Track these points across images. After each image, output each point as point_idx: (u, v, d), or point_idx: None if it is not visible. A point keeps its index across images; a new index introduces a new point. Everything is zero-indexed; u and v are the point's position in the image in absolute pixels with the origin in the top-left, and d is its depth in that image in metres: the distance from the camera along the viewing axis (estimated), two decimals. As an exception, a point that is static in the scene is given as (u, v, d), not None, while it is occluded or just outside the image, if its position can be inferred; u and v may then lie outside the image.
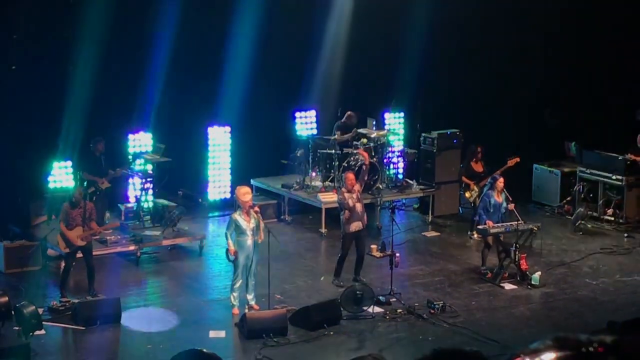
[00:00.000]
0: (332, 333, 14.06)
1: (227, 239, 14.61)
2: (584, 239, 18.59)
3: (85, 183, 17.17)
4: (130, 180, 18.51)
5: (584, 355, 2.67)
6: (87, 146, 17.77)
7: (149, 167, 18.44)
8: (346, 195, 15.84)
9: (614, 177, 19.40)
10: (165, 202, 18.51)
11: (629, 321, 13.21)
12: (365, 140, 19.14)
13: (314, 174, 19.55)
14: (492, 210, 16.27)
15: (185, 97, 19.15)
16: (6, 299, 13.86)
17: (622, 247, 18.09)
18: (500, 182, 16.39)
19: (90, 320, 14.15)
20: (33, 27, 17.72)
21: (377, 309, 14.81)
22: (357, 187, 16.02)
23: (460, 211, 20.15)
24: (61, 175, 17.80)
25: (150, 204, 18.34)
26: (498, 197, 16.35)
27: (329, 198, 18.58)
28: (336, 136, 19.29)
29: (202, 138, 19.67)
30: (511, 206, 16.34)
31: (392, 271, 15.50)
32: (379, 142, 19.59)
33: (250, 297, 14.74)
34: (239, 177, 19.13)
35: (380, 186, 19.36)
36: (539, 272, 16.21)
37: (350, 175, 16.22)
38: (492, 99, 21.34)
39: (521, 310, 15.11)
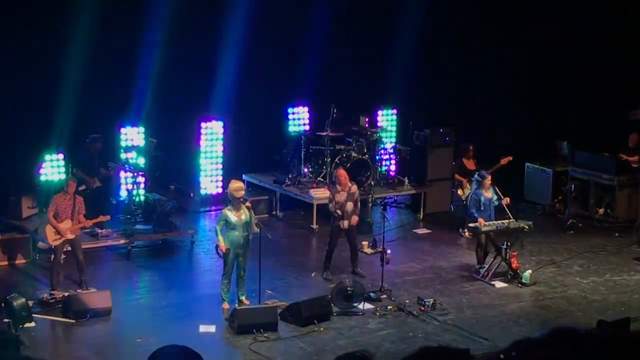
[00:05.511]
0: (322, 329, 14.06)
1: (217, 234, 14.63)
2: (575, 238, 18.63)
3: (77, 180, 17.13)
4: (122, 174, 18.48)
5: (581, 349, 2.68)
6: (81, 141, 17.76)
7: (141, 161, 18.41)
8: (337, 193, 15.92)
9: (605, 177, 19.44)
10: (156, 196, 18.49)
11: (619, 320, 13.30)
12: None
13: (306, 170, 19.57)
14: (482, 208, 16.33)
15: (178, 92, 19.12)
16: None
17: (613, 247, 18.13)
18: (488, 180, 16.46)
19: (80, 313, 14.14)
20: (24, 19, 17.67)
21: (368, 306, 14.82)
22: (354, 187, 16.10)
23: (452, 209, 20.18)
24: (52, 168, 17.75)
25: (142, 198, 18.32)
26: (487, 193, 16.42)
27: (320, 194, 18.60)
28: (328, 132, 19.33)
29: (194, 133, 19.65)
30: (506, 200, 16.38)
31: (383, 268, 15.53)
32: (371, 139, 19.62)
33: (240, 292, 14.75)
34: (231, 172, 19.11)
35: (372, 183, 19.37)
36: (530, 271, 16.25)
37: (341, 172, 16.28)
38: (484, 97, 21.35)
39: (511, 309, 15.13)
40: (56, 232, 15.06)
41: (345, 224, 15.88)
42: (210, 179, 19.86)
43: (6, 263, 16.39)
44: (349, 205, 15.89)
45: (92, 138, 17.70)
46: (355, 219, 16.04)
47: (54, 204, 15.18)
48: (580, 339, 2.69)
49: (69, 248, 15.28)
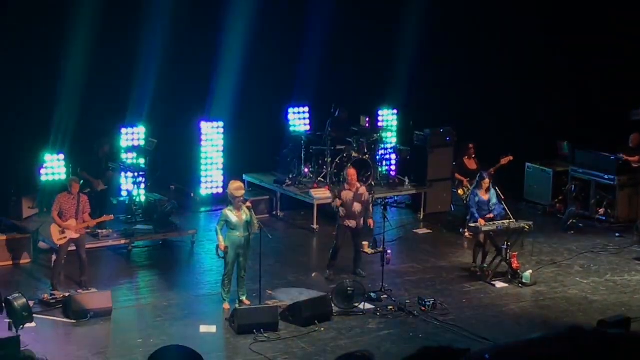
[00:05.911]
0: (322, 329, 14.06)
1: (217, 234, 14.63)
2: (575, 238, 18.63)
3: (81, 181, 17.13)
4: (123, 175, 18.48)
5: (581, 349, 2.68)
6: (82, 141, 17.75)
7: (142, 161, 18.42)
8: (344, 191, 15.94)
9: (606, 177, 19.44)
10: (157, 196, 18.49)
11: (619, 321, 13.31)
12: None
13: (306, 170, 19.58)
14: (476, 207, 16.42)
15: (178, 92, 19.13)
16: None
17: (613, 247, 18.13)
18: (486, 182, 16.48)
19: (81, 313, 14.14)
20: (25, 19, 17.68)
21: (368, 306, 14.81)
22: (362, 189, 16.11)
23: (452, 209, 20.18)
24: (53, 169, 17.76)
25: (143, 199, 18.32)
26: (484, 195, 16.44)
27: (321, 194, 18.60)
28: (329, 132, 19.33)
29: (195, 133, 19.66)
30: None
31: (384, 268, 15.52)
32: (372, 139, 19.63)
33: (241, 292, 14.75)
34: (232, 172, 19.13)
35: (373, 183, 19.37)
36: (530, 271, 16.25)
37: (351, 171, 16.32)
38: (485, 97, 21.35)
39: (512, 309, 15.13)
40: (61, 231, 15.07)
41: (352, 223, 15.88)
42: (210, 179, 19.83)
43: (7, 263, 16.38)
44: (357, 206, 15.90)
45: (100, 141, 17.69)
46: (370, 222, 16.06)
47: (58, 203, 15.18)
48: (580, 339, 2.69)
49: (74, 247, 15.28)
